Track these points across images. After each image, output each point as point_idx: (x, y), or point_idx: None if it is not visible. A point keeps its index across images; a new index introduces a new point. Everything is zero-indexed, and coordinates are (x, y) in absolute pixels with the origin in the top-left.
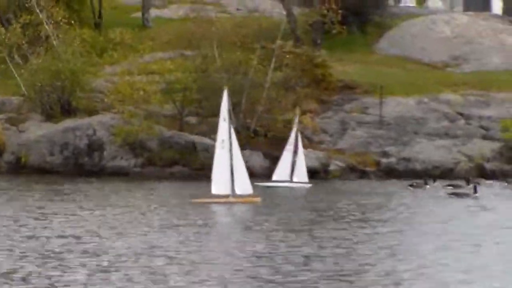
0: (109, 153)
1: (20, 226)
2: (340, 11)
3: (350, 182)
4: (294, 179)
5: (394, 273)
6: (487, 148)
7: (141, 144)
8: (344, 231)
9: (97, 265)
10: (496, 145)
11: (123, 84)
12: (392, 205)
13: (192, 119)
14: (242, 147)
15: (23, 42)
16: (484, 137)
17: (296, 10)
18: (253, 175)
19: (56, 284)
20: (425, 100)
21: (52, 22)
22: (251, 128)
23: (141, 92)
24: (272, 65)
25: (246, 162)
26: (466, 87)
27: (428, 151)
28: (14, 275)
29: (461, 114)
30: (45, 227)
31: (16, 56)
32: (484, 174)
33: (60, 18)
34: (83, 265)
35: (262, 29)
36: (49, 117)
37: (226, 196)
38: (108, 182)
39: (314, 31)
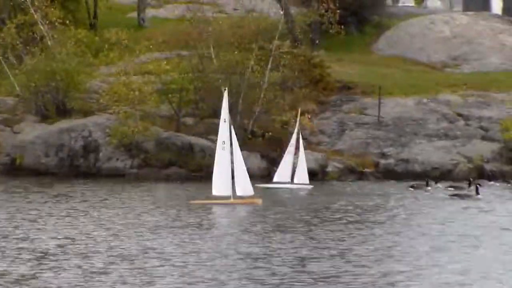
0: (105, 154)
1: (15, 227)
2: (338, 11)
3: (349, 184)
4: (295, 181)
5: (390, 274)
6: (487, 149)
7: (137, 145)
8: (341, 232)
9: (91, 267)
10: (495, 146)
11: (118, 84)
12: (391, 206)
13: (189, 120)
14: (239, 148)
15: (18, 42)
16: (484, 138)
17: (294, 10)
18: (250, 176)
19: (50, 286)
20: (424, 100)
21: (47, 22)
22: (249, 129)
23: (137, 93)
24: (270, 66)
25: None
26: (466, 88)
27: (427, 152)
28: (7, 276)
29: (460, 115)
30: (40, 229)
31: (10, 57)
32: (483, 175)
33: (55, 18)
34: (78, 267)
35: (260, 29)
36: (44, 118)
37: (227, 198)
38: (103, 183)
39: (312, 31)
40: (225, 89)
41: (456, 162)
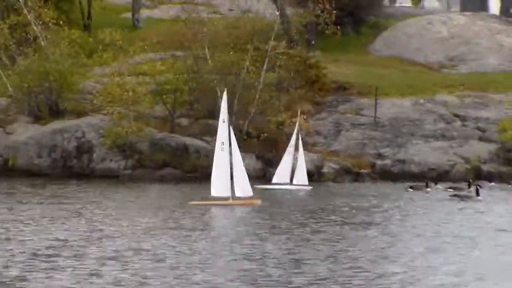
0: (99, 155)
1: (7, 229)
2: (334, 12)
3: (345, 185)
4: (294, 182)
5: (385, 276)
6: (484, 150)
7: (131, 146)
8: (337, 234)
9: (85, 268)
10: (493, 147)
11: (112, 85)
12: (387, 207)
13: (184, 121)
14: None
15: (11, 43)
16: (481, 139)
17: (290, 11)
18: None
19: None
20: (421, 101)
21: (40, 22)
22: (244, 129)
23: (131, 93)
24: (265, 66)
25: None
26: (463, 88)
27: (424, 153)
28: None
29: (457, 116)
30: (32, 230)
31: (3, 57)
32: (481, 176)
33: (48, 19)
34: (71, 268)
35: (255, 29)
36: (37, 118)
37: (226, 199)
38: (97, 184)
39: (308, 32)
40: (224, 90)
41: (453, 163)
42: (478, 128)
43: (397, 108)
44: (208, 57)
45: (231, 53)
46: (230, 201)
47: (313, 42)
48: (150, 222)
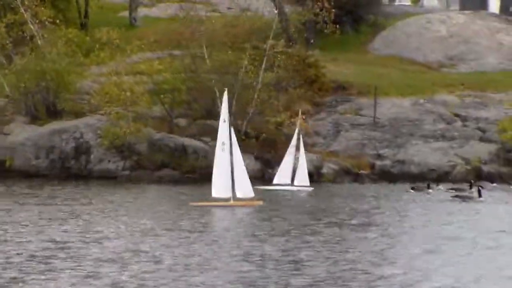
0: (96, 156)
1: (5, 231)
2: (333, 10)
3: (345, 185)
4: (295, 183)
5: (385, 278)
6: (484, 150)
7: (129, 146)
8: (336, 235)
9: (82, 270)
10: (493, 147)
11: (110, 84)
12: (388, 209)
13: (182, 121)
14: None
15: (7, 42)
16: (481, 139)
17: (289, 9)
18: None
19: None
20: (421, 101)
21: (37, 21)
22: (242, 130)
23: (128, 93)
24: (264, 65)
25: None
26: (463, 88)
27: (423, 153)
28: None
29: (457, 116)
30: (29, 232)
31: (0, 56)
32: (481, 177)
33: (45, 18)
34: (69, 270)
35: (253, 28)
36: (34, 119)
37: (227, 200)
38: (95, 185)
39: (307, 30)
40: (224, 90)
41: (453, 163)
42: (479, 128)
43: (396, 108)
44: (206, 56)
45: (229, 52)
46: (231, 202)
47: (312, 41)
48: (149, 223)
